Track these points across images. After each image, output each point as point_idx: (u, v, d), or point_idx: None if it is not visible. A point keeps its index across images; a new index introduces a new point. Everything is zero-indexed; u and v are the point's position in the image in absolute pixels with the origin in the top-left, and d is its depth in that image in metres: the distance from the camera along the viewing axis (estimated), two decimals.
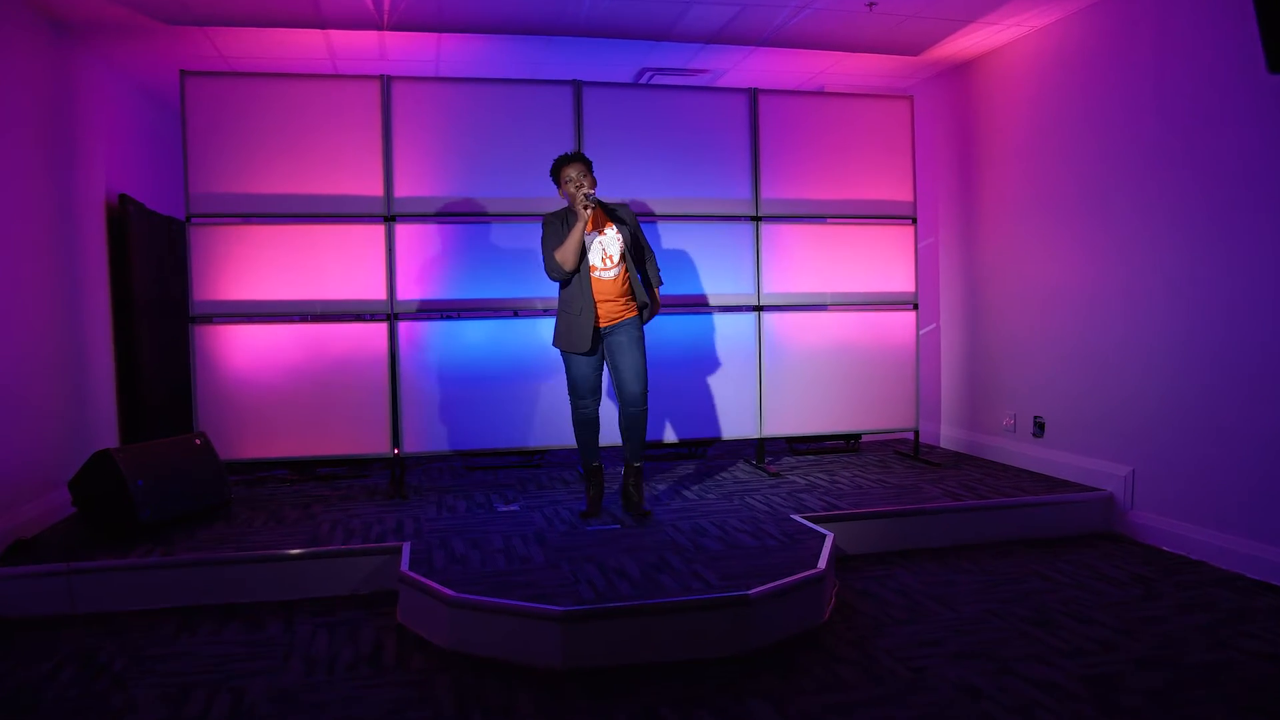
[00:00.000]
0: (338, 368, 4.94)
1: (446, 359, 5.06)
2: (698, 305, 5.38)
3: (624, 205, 4.33)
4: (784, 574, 3.36)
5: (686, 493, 4.83)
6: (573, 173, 4.09)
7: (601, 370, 4.26)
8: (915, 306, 5.70)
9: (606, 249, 4.12)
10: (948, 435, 6.16)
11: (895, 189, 5.62)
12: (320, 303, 4.92)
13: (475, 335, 5.11)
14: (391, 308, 4.97)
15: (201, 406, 4.81)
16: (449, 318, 5.16)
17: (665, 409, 5.31)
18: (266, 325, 4.91)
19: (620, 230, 4.16)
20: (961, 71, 5.85)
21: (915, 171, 5.66)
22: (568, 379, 4.24)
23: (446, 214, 5.04)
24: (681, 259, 5.32)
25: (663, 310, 5.36)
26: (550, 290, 5.06)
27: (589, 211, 3.98)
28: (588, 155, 5.02)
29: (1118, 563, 4.09)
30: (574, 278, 4.08)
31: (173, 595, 3.67)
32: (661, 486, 4.99)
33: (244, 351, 4.87)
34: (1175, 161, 4.25)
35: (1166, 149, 4.29)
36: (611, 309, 4.15)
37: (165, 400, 5.63)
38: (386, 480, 5.25)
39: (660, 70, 5.88)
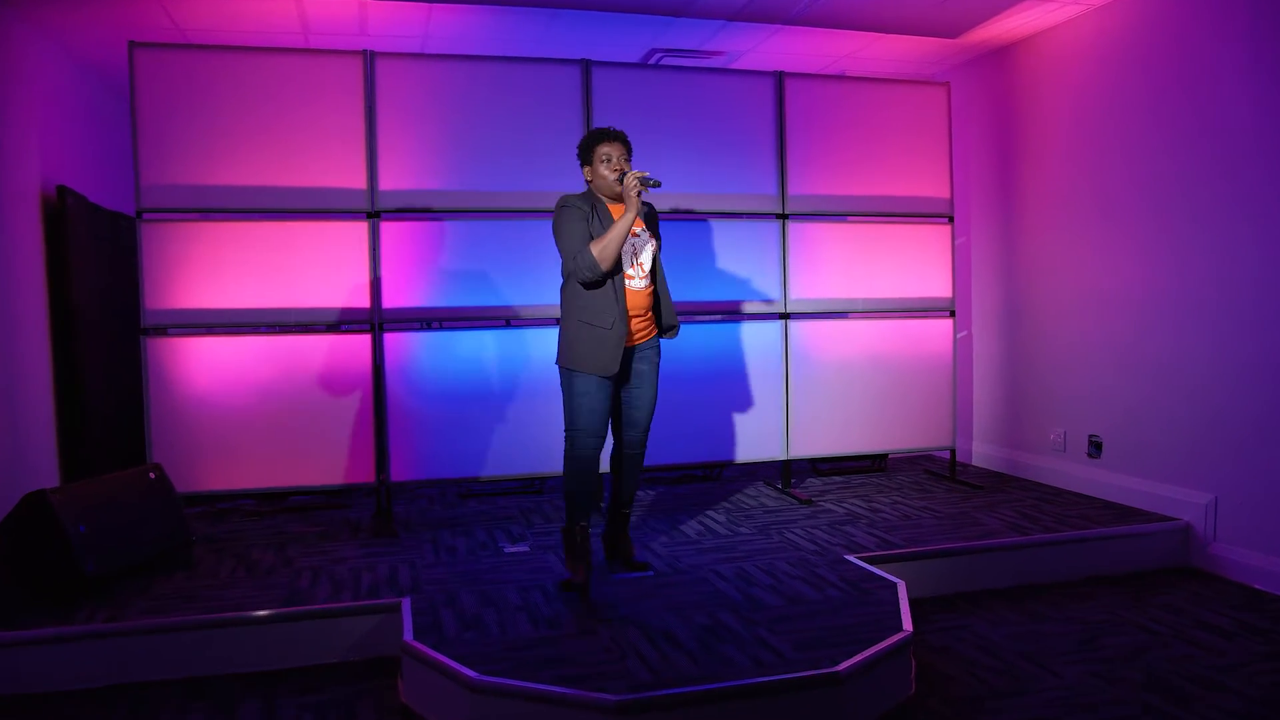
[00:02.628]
0: (315, 385, 4.30)
1: (439, 375, 4.44)
2: (717, 313, 4.83)
3: (651, 207, 3.63)
4: (865, 638, 2.83)
5: (715, 526, 4.27)
6: (613, 152, 3.35)
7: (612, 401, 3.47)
8: (952, 314, 5.20)
9: (639, 255, 3.41)
10: (982, 453, 5.67)
11: (930, 184, 5.11)
12: (294, 311, 4.28)
13: (471, 347, 4.50)
14: (376, 316, 4.35)
15: (156, 432, 4.15)
16: (441, 328, 4.54)
17: (680, 427, 4.74)
18: (231, 337, 4.26)
19: (653, 235, 3.50)
20: (1001, 56, 5.35)
21: (952, 165, 5.16)
22: (572, 409, 3.36)
23: (438, 210, 4.42)
24: (700, 261, 4.76)
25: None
26: (555, 297, 4.50)
27: (640, 201, 3.23)
28: None
29: (1215, 607, 3.61)
30: (605, 283, 3.29)
31: (124, 670, 3.03)
32: (684, 518, 4.43)
33: (205, 368, 4.22)
34: (1269, 154, 3.78)
35: (1260, 140, 3.83)
36: (639, 326, 3.45)
37: (115, 426, 4.92)
38: (370, 512, 4.62)
39: (671, 51, 5.32)
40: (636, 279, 3.40)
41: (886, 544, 3.89)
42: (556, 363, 3.40)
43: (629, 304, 3.36)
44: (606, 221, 3.32)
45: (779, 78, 4.84)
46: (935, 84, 5.14)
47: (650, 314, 3.49)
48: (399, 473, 4.40)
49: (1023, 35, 5.10)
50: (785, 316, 4.90)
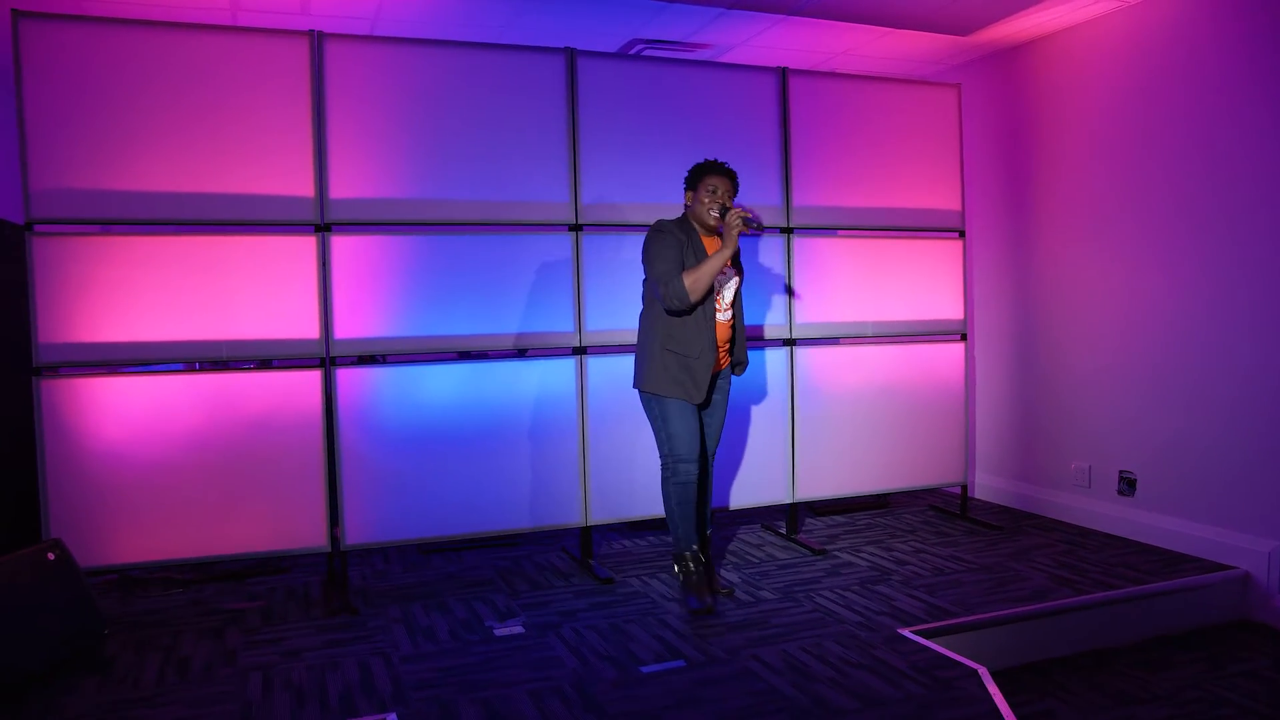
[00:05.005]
0: (253, 433, 3.58)
1: (401, 418, 3.77)
2: None
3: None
4: None
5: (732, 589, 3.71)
6: (719, 185, 3.39)
7: None
8: (963, 337, 4.76)
9: (724, 290, 3.45)
10: (988, 486, 5.25)
11: (941, 195, 4.66)
12: (225, 344, 3.55)
13: (440, 386, 3.84)
14: (327, 349, 3.65)
15: (54, 496, 3.36)
16: (404, 362, 3.86)
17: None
18: (149, 377, 3.50)
19: (737, 270, 3.51)
20: (1013, 55, 4.94)
21: (964, 174, 4.72)
22: (669, 435, 3.39)
23: (399, 222, 3.75)
24: None
25: None
26: (544, 325, 3.90)
27: (736, 235, 3.27)
28: (585, 145, 3.99)
29: None
30: (694, 312, 3.34)
31: None
32: None
33: (115, 415, 3.45)
34: None
35: None
36: (721, 357, 3.51)
37: (3, 490, 4.05)
38: (318, 577, 3.92)
39: (654, 43, 4.74)
40: (721, 311, 3.44)
41: (936, 611, 3.39)
42: (636, 387, 3.46)
43: (715, 335, 3.40)
44: (700, 252, 3.36)
45: (782, 74, 4.31)
46: (946, 85, 4.69)
47: (729, 345, 3.54)
48: (356, 534, 3.71)
49: (1039, 34, 4.69)
50: (791, 343, 4.38)
